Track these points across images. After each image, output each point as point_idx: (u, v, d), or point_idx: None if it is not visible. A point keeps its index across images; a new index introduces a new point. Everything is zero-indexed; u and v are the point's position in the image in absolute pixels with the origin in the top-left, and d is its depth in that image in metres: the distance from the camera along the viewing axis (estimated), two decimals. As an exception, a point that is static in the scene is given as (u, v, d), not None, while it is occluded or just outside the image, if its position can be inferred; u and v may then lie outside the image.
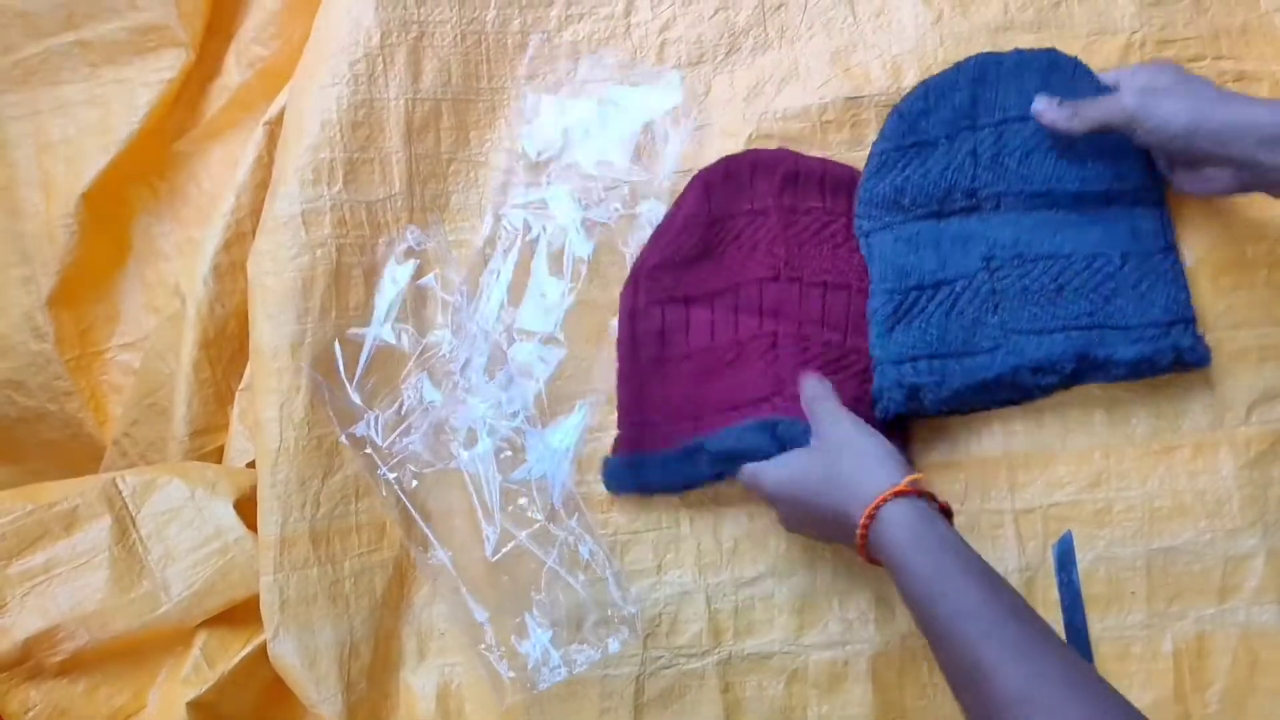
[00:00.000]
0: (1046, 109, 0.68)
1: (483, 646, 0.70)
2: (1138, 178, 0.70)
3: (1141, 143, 0.65)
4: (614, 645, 0.69)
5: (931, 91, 0.73)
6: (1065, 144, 0.70)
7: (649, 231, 0.75)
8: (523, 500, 0.72)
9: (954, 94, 0.72)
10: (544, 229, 0.76)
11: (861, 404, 0.69)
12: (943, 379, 0.68)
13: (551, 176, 0.77)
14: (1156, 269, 0.69)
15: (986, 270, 0.70)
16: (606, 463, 0.73)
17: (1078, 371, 0.68)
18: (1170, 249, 0.70)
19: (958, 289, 0.70)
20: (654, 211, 0.75)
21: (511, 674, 0.69)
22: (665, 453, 0.71)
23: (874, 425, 0.65)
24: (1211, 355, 0.68)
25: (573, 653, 0.69)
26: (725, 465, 0.68)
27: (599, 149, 0.76)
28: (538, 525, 0.71)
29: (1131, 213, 0.70)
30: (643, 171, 0.76)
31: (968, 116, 0.72)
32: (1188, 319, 0.69)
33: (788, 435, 0.66)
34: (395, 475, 0.72)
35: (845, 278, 0.73)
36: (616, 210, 0.76)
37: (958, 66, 0.73)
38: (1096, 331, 0.69)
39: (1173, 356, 0.67)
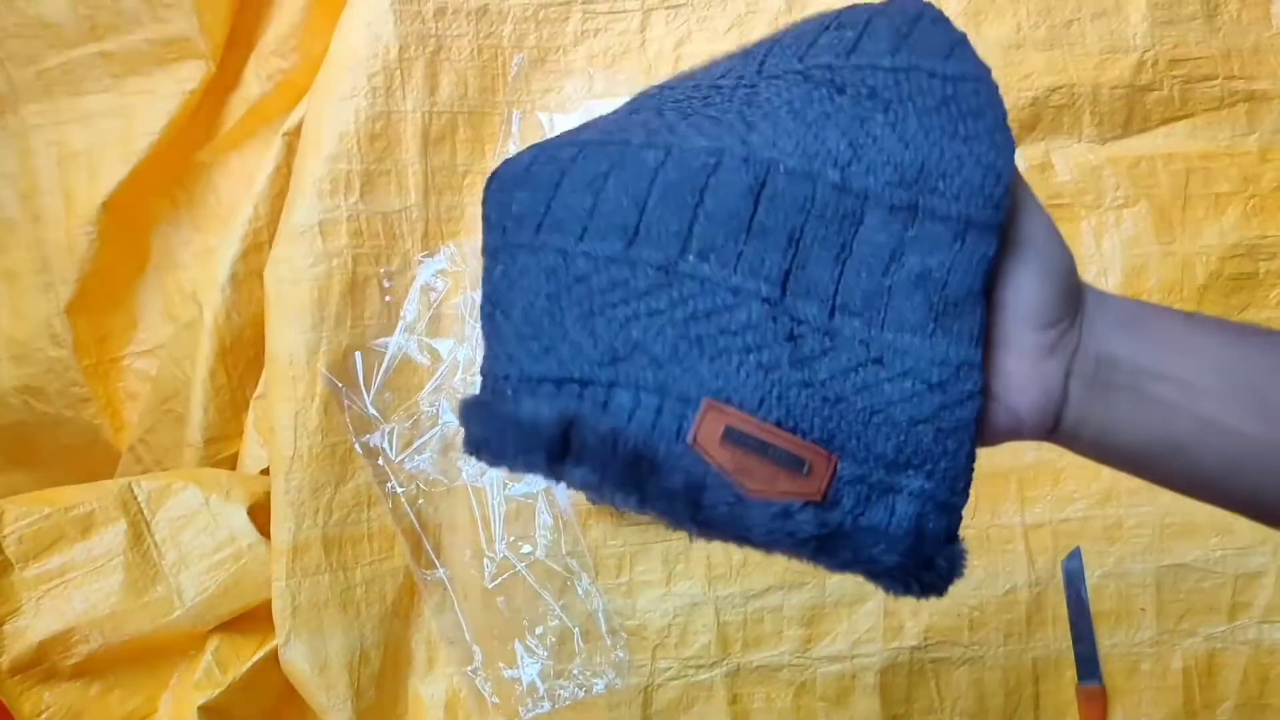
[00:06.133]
0: None
1: (470, 669, 0.70)
2: None
3: None
4: (599, 686, 0.70)
5: None
6: None
7: None
8: (525, 526, 0.72)
9: None
10: None
11: None
12: None
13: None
14: None
15: None
16: None
17: None
18: None
19: None
20: None
21: (496, 700, 0.69)
22: None
23: None
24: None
25: (558, 687, 0.69)
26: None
27: None
28: (536, 558, 0.72)
29: None
30: None
31: None
32: None
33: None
34: (403, 490, 0.72)
35: None
36: None
37: None
38: None
39: None
